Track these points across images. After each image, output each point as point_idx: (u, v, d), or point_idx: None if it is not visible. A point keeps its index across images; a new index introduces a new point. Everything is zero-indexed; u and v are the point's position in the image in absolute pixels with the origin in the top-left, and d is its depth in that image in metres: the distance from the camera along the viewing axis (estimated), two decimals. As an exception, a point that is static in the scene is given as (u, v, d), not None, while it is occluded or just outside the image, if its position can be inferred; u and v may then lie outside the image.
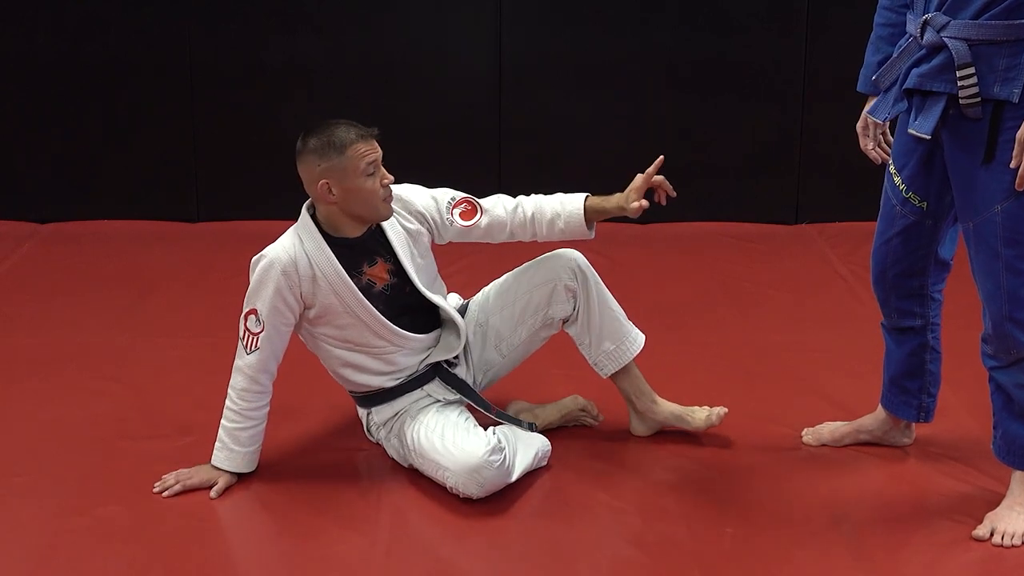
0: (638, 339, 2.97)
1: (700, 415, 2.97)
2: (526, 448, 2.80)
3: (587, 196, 2.89)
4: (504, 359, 2.99)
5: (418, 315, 2.84)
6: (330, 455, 2.94)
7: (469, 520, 2.66)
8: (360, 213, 2.74)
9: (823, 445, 2.96)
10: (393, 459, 2.88)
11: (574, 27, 4.54)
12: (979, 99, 2.37)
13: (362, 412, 2.95)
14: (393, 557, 2.54)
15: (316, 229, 2.74)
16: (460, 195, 2.90)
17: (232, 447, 2.76)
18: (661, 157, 2.83)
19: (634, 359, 2.96)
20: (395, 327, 2.78)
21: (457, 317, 2.86)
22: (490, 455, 2.65)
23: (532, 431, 2.89)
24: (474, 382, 2.96)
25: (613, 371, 2.94)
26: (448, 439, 2.71)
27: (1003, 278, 2.46)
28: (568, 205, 2.88)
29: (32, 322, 3.74)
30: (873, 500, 2.76)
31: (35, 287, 4.03)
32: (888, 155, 2.69)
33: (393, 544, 2.58)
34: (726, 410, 2.97)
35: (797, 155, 4.69)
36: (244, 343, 2.74)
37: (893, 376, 2.87)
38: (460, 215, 2.88)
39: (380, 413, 2.88)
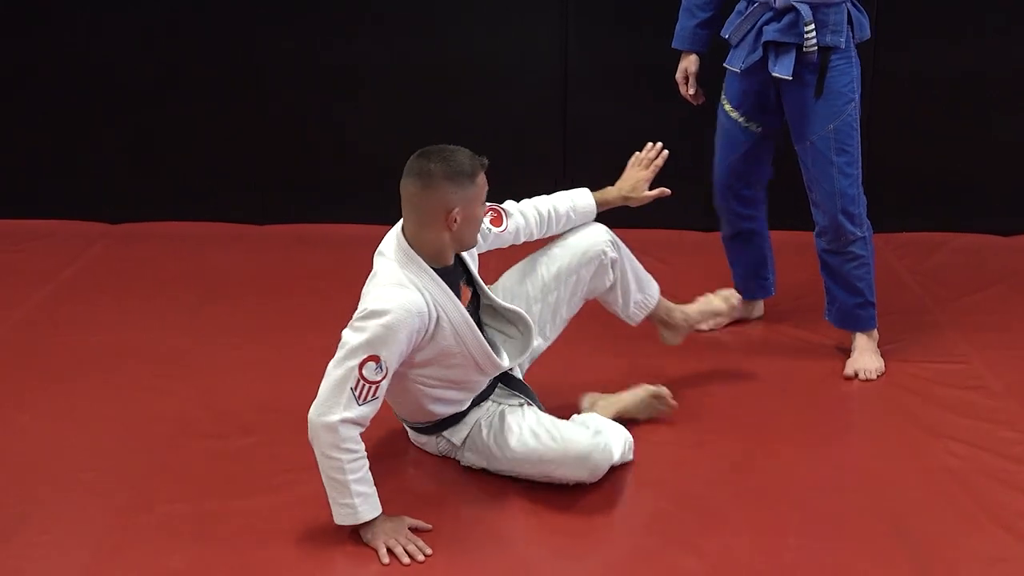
0: (653, 281, 3.18)
1: (716, 299, 3.30)
2: (615, 435, 2.84)
3: (590, 192, 3.05)
4: (546, 341, 3.04)
5: (484, 332, 2.82)
6: (373, 464, 2.93)
7: (532, 526, 2.67)
8: (467, 241, 2.72)
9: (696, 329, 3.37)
10: (467, 467, 2.89)
11: (638, 34, 4.51)
12: (817, 47, 3.12)
13: (424, 437, 2.94)
14: (469, 555, 2.55)
15: (426, 265, 2.66)
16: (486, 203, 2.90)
17: (367, 491, 2.57)
18: (666, 152, 3.07)
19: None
20: (496, 359, 2.78)
21: (532, 323, 2.89)
22: (594, 438, 2.73)
23: None
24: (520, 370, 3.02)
25: (644, 316, 3.15)
26: (547, 437, 2.74)
27: (837, 181, 3.25)
28: (579, 201, 3.02)
29: (100, 321, 3.79)
30: (936, 514, 2.73)
31: (104, 286, 4.08)
32: (703, 98, 3.45)
33: (465, 550, 2.60)
34: (733, 292, 3.35)
35: (864, 163, 4.63)
36: (356, 392, 2.53)
37: (746, 272, 3.65)
38: (491, 221, 2.91)
39: (456, 434, 2.87)
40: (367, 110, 4.58)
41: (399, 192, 2.68)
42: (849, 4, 3.19)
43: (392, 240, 2.72)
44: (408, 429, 2.98)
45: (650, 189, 3.10)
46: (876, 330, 3.46)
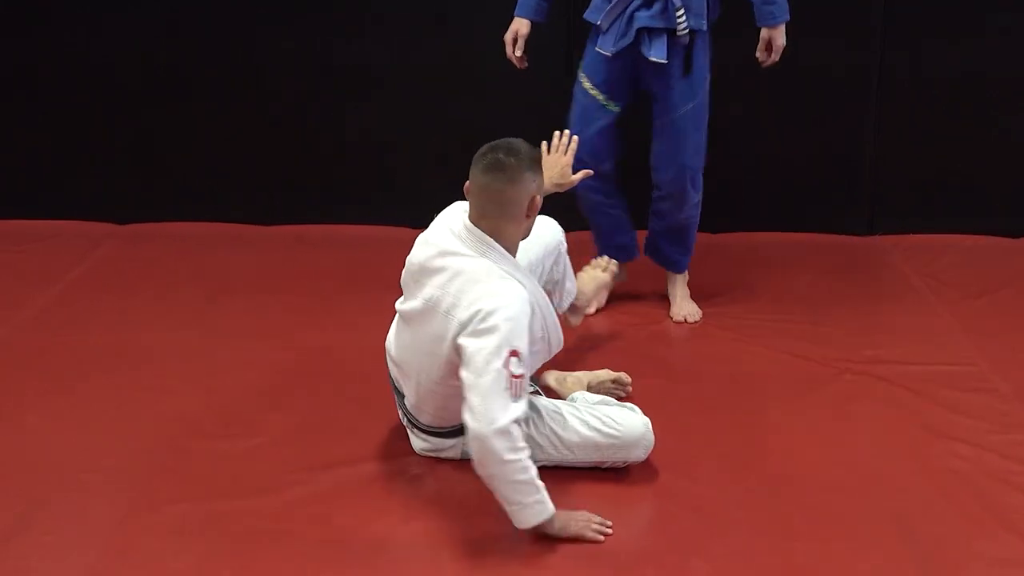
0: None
1: (597, 272, 3.38)
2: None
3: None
4: None
5: None
6: (379, 464, 2.95)
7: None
8: (530, 229, 2.78)
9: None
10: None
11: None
12: (687, 31, 3.35)
13: (449, 440, 2.89)
14: (476, 558, 2.55)
15: (511, 257, 2.70)
16: None
17: (543, 485, 2.59)
18: (575, 137, 3.15)
19: None
20: (561, 338, 2.92)
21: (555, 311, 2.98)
22: (643, 418, 2.86)
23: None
24: None
25: (571, 302, 3.28)
26: (601, 424, 2.82)
27: (691, 156, 3.56)
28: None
29: (107, 321, 3.79)
30: (943, 516, 2.73)
31: (112, 286, 4.08)
32: (526, 63, 3.58)
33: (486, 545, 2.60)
34: (606, 259, 3.42)
35: (871, 165, 4.63)
36: (511, 391, 2.51)
37: (608, 241, 3.80)
38: None
39: None
40: (373, 110, 4.58)
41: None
42: None
43: (461, 237, 2.70)
44: (422, 438, 2.92)
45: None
46: (687, 273, 3.88)
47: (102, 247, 4.46)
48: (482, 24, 4.43)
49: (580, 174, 3.15)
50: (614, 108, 3.54)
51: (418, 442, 2.94)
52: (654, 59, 3.39)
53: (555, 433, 2.83)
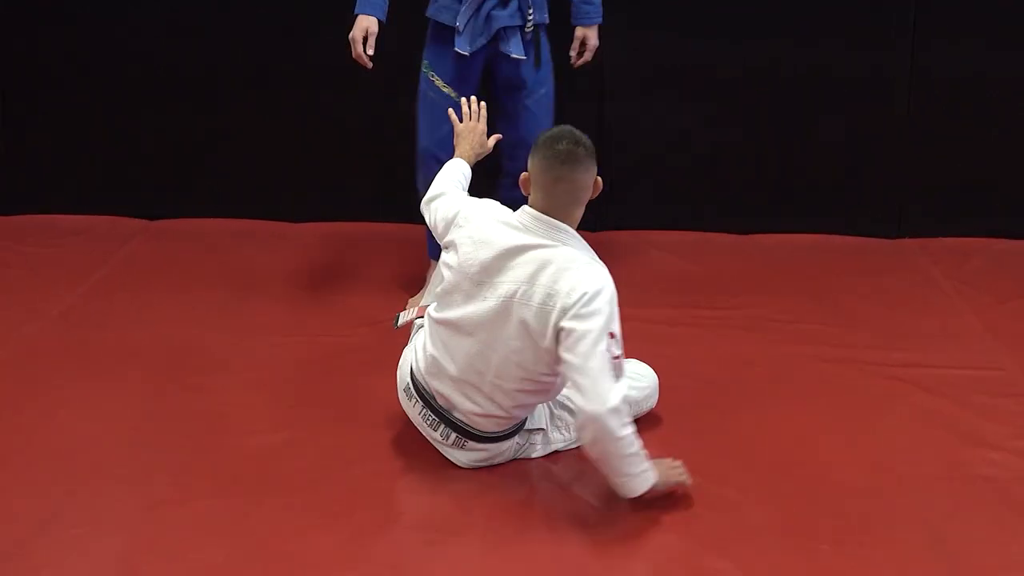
0: None
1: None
2: None
3: (463, 160, 3.20)
4: None
5: None
6: (409, 460, 2.96)
7: (569, 527, 2.68)
8: None
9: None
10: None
11: (672, 36, 4.51)
12: (534, 26, 3.61)
13: (504, 444, 2.89)
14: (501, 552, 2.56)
15: (583, 240, 2.76)
16: None
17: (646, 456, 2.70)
18: (483, 102, 3.24)
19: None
20: None
21: None
22: (645, 364, 3.07)
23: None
24: None
25: None
26: (635, 380, 2.96)
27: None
28: (467, 173, 3.17)
29: (136, 317, 3.81)
30: (973, 522, 2.72)
31: (141, 282, 4.10)
32: (371, 64, 3.57)
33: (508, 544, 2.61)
34: None
35: (900, 167, 4.61)
36: (615, 372, 2.59)
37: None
38: None
39: (537, 420, 2.93)
40: (408, 105, 4.58)
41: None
42: None
43: (530, 229, 2.71)
44: (478, 448, 2.87)
45: None
46: None
47: (133, 242, 4.48)
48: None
49: (494, 138, 3.23)
50: (456, 97, 3.53)
51: (469, 455, 2.88)
52: (515, 56, 3.60)
53: None
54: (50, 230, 4.58)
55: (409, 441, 3.01)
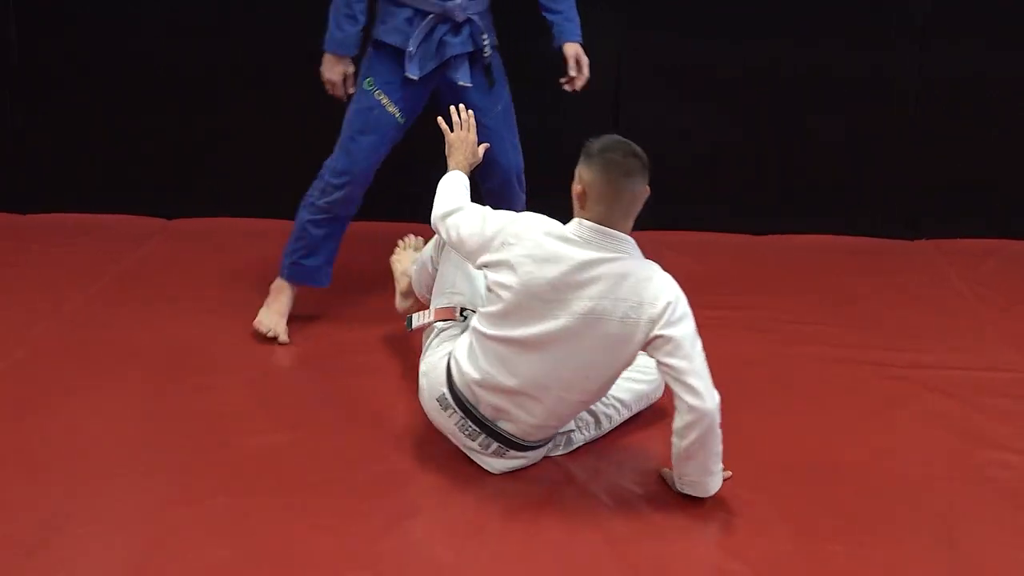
0: None
1: (407, 262, 3.56)
2: None
3: (459, 171, 3.17)
4: None
5: None
6: (422, 459, 2.97)
7: (584, 527, 2.69)
8: None
9: None
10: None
11: (672, 36, 4.50)
12: (490, 50, 3.54)
13: (544, 448, 2.92)
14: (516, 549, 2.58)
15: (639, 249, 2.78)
16: None
17: None
18: (470, 111, 3.21)
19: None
20: None
21: None
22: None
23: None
24: None
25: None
26: (644, 373, 3.04)
27: (510, 154, 3.66)
28: (467, 184, 3.13)
29: (153, 316, 3.81)
30: (984, 525, 2.72)
31: (158, 282, 4.11)
32: (345, 96, 3.62)
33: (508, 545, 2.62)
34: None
35: (915, 168, 4.61)
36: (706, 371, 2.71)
37: (329, 256, 3.75)
38: None
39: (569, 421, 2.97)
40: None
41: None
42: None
43: (593, 243, 2.70)
44: (518, 456, 2.87)
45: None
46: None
47: (150, 242, 4.49)
48: (538, 27, 4.44)
49: (483, 147, 3.21)
50: (403, 121, 3.59)
51: (507, 463, 2.88)
52: (462, 83, 3.52)
53: (618, 400, 3.02)
54: (66, 229, 4.56)
55: (414, 442, 3.02)
